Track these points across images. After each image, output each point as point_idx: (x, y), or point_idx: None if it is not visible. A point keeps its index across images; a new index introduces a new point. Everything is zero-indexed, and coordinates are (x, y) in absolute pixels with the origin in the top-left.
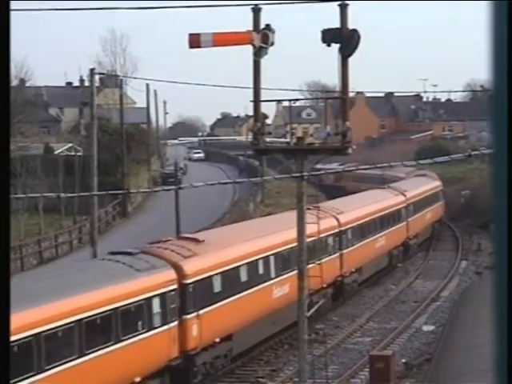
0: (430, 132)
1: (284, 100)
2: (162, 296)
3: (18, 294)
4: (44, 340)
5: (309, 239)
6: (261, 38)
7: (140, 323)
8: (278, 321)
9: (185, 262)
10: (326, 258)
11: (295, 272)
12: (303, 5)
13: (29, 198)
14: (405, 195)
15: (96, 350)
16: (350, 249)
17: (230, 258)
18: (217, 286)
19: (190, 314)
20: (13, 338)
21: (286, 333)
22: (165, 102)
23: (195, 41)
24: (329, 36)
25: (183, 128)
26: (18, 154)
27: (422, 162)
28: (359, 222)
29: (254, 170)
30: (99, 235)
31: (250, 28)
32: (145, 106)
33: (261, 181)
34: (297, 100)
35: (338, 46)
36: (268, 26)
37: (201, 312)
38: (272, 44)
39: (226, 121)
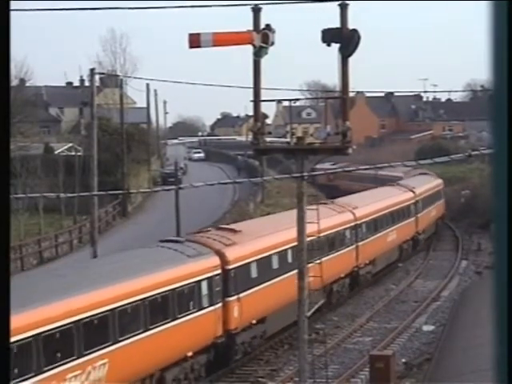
0: (430, 132)
1: (284, 100)
2: (209, 280)
3: (95, 276)
4: (118, 315)
5: (331, 230)
6: (261, 38)
7: (192, 303)
8: (286, 318)
9: (226, 250)
10: (344, 250)
11: (317, 261)
12: (303, 5)
13: (29, 197)
14: (414, 192)
15: (158, 326)
16: (364, 241)
17: (264, 246)
18: (253, 272)
19: (231, 296)
20: (99, 311)
21: (286, 333)
22: (165, 102)
23: (195, 41)
24: (329, 36)
25: (183, 128)
26: (18, 154)
27: (422, 162)
28: (373, 217)
29: (253, 169)
30: (99, 235)
31: (250, 28)
32: (145, 105)
33: (261, 181)
34: (297, 100)
35: (338, 45)
36: (268, 26)
37: (241, 295)
38: (272, 44)
39: (226, 121)
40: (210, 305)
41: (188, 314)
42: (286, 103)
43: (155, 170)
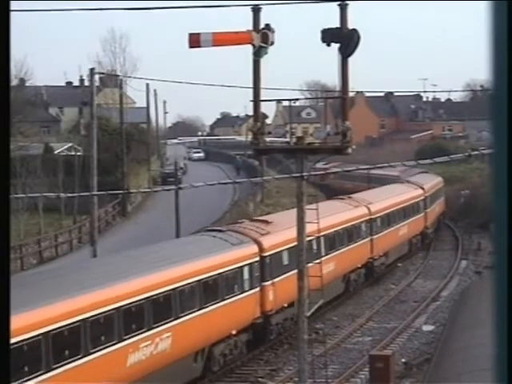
0: (430, 132)
1: (284, 100)
2: (250, 265)
3: (156, 260)
4: (179, 294)
5: (348, 224)
6: (261, 38)
7: (236, 287)
8: (326, 294)
9: (263, 239)
10: (360, 242)
11: (339, 252)
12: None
13: (29, 197)
14: (423, 189)
15: (209, 306)
16: (378, 235)
17: (294, 236)
18: (285, 260)
19: (267, 281)
20: (164, 289)
21: (286, 332)
22: (164, 102)
23: (195, 40)
24: (329, 36)
25: (183, 128)
26: (17, 154)
27: (422, 161)
28: (386, 212)
29: (253, 169)
30: (99, 235)
31: (250, 28)
32: (144, 105)
33: (261, 181)
34: (297, 100)
35: (337, 45)
36: (268, 26)
37: (275, 280)
38: (272, 43)
39: (226, 120)
40: (250, 288)
41: (233, 296)
42: (285, 103)
43: (155, 169)
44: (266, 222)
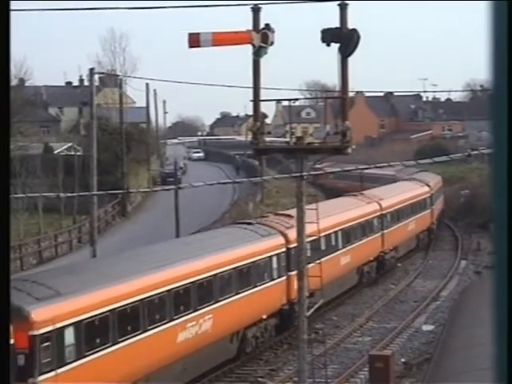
0: (430, 131)
1: (284, 99)
2: (278, 255)
3: (197, 249)
4: (219, 279)
5: (362, 219)
6: (260, 38)
7: (266, 275)
8: (343, 283)
9: (288, 231)
10: (373, 236)
11: (356, 245)
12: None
13: (28, 197)
14: (429, 186)
15: (244, 291)
16: (389, 229)
17: (315, 230)
18: (308, 251)
19: (292, 271)
20: (207, 275)
21: (285, 332)
22: (164, 102)
23: (195, 40)
24: (328, 36)
25: (183, 127)
26: (17, 154)
27: (421, 161)
28: (396, 208)
29: (253, 169)
30: (99, 235)
31: (250, 27)
32: (144, 105)
33: (260, 181)
34: (296, 99)
35: (337, 45)
36: (267, 26)
37: (324, 260)
38: (271, 43)
39: (226, 120)
40: (278, 277)
41: (264, 283)
42: (285, 103)
43: (155, 169)
44: (290, 215)
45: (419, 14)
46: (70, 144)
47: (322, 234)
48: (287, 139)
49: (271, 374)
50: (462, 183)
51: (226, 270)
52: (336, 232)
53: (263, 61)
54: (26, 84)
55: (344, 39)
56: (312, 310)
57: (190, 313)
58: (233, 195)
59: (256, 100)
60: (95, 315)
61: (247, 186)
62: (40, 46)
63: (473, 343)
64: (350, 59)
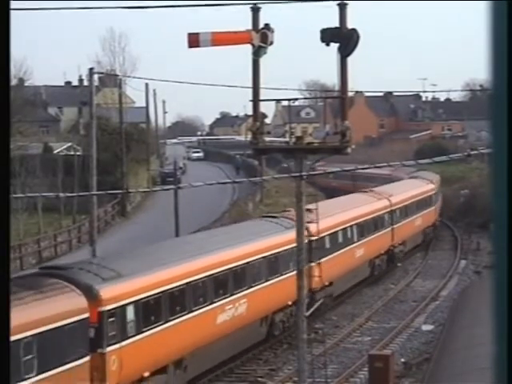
0: (429, 131)
1: (283, 99)
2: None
3: (227, 238)
4: (252, 267)
5: (374, 214)
6: (260, 38)
7: (291, 264)
8: (357, 275)
9: (310, 225)
10: (385, 230)
11: (368, 239)
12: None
13: (28, 197)
14: (433, 183)
15: (273, 278)
16: (398, 224)
17: (333, 224)
18: (327, 244)
19: (313, 262)
20: (241, 262)
21: (285, 332)
22: (164, 102)
23: (194, 40)
24: (328, 35)
25: (182, 127)
26: (17, 154)
27: (421, 161)
28: (404, 204)
29: (252, 169)
30: (98, 234)
31: (249, 27)
32: (144, 105)
33: (260, 180)
34: (296, 99)
35: (337, 45)
36: (267, 26)
37: (321, 260)
38: (271, 43)
39: (225, 120)
40: (289, 271)
41: (289, 272)
42: (285, 103)
43: (154, 169)
44: (310, 210)
45: (418, 13)
46: (69, 144)
47: (339, 228)
48: (287, 139)
49: (271, 374)
50: (462, 183)
51: (257, 259)
52: (351, 226)
53: (263, 61)
54: (26, 84)
55: (343, 39)
56: (311, 310)
57: (228, 297)
58: (232, 195)
59: (255, 100)
60: (150, 295)
61: (247, 186)
62: (40, 46)
63: (472, 343)
64: (350, 59)
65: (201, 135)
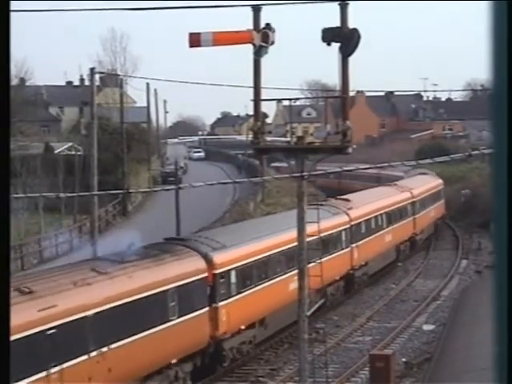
0: (431, 131)
1: (284, 99)
2: (345, 230)
3: (285, 223)
4: (311, 244)
5: (401, 204)
6: (261, 37)
7: (339, 245)
8: (386, 258)
9: (350, 211)
10: (408, 219)
11: (395, 226)
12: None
13: (29, 197)
14: (439, 179)
15: (326, 256)
16: (419, 214)
17: (368, 211)
18: (362, 229)
19: (353, 244)
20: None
21: (286, 332)
22: (165, 101)
23: (195, 40)
24: (329, 35)
25: (183, 127)
26: (18, 154)
27: (422, 161)
28: (423, 196)
29: (254, 169)
30: (99, 234)
31: (251, 27)
32: (145, 105)
33: (261, 180)
34: (297, 99)
35: (338, 45)
36: (268, 25)
37: (359, 243)
38: (272, 43)
39: (227, 120)
40: (345, 247)
41: (338, 251)
42: (286, 102)
43: (155, 169)
44: (348, 200)
45: (419, 13)
46: (70, 144)
47: (372, 216)
48: (288, 139)
49: (272, 374)
50: (463, 183)
51: (315, 239)
52: (381, 214)
53: (264, 60)
54: (27, 84)
55: (344, 39)
56: (312, 310)
57: (290, 271)
58: (233, 195)
59: (257, 99)
60: (246, 263)
61: (248, 186)
62: (41, 46)
63: (473, 343)
64: (351, 59)
65: (202, 135)
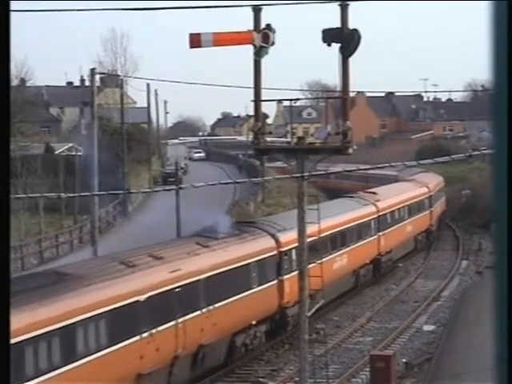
0: (431, 132)
1: (285, 100)
2: (374, 220)
3: (329, 210)
4: (347, 231)
5: (419, 198)
6: (261, 38)
7: (368, 232)
8: (406, 247)
9: (378, 203)
10: (425, 212)
11: (414, 218)
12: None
13: (29, 197)
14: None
15: (359, 241)
16: (432, 208)
17: (394, 202)
18: (388, 219)
19: (382, 231)
20: (346, 226)
21: (287, 332)
22: (165, 102)
23: (196, 41)
24: (329, 36)
25: (184, 128)
26: (18, 154)
27: (422, 161)
28: (435, 191)
29: (254, 169)
30: (100, 235)
31: (251, 28)
32: (145, 105)
33: (261, 181)
34: (297, 100)
35: (338, 45)
36: (268, 26)
37: (386, 231)
38: (272, 44)
39: (227, 120)
40: (374, 235)
41: (367, 238)
42: (286, 103)
43: (156, 169)
44: (375, 193)
45: (420, 13)
46: (70, 144)
47: (396, 208)
48: (288, 139)
49: (272, 374)
50: (463, 183)
51: (351, 226)
52: (403, 207)
53: (264, 61)
54: (27, 84)
55: (345, 39)
56: (313, 311)
57: (338, 251)
58: (234, 195)
59: (257, 100)
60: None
61: (248, 186)
62: (41, 46)
63: (473, 343)
64: (351, 59)
65: (202, 135)
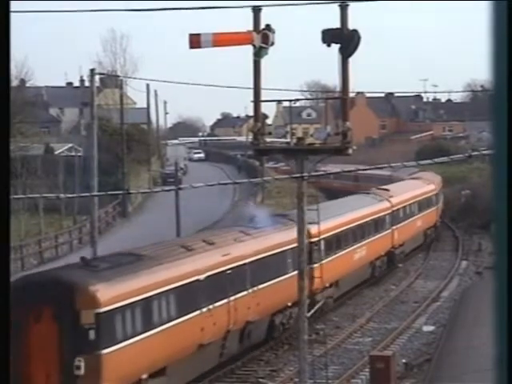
0: (431, 132)
1: (284, 100)
2: (389, 214)
3: (350, 205)
4: (366, 225)
5: (428, 194)
6: (261, 38)
7: (384, 226)
8: (416, 241)
9: (391, 199)
10: (433, 208)
11: (423, 213)
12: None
13: (29, 198)
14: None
15: (375, 235)
16: (438, 205)
17: (406, 198)
18: (401, 214)
19: (395, 225)
20: (363, 220)
21: (287, 333)
22: (165, 102)
23: (196, 41)
24: (329, 36)
25: (183, 128)
26: (18, 155)
27: (422, 162)
28: (440, 188)
29: (254, 169)
30: (99, 235)
31: (251, 28)
32: (145, 106)
33: (261, 181)
34: (297, 100)
35: (338, 46)
36: (268, 26)
37: (399, 226)
38: (272, 44)
39: (227, 121)
40: (388, 228)
41: (382, 231)
42: (286, 103)
43: (155, 170)
44: (387, 189)
45: (419, 14)
46: (70, 145)
47: (407, 204)
48: (288, 140)
49: (272, 375)
50: (463, 184)
51: (368, 220)
52: (414, 203)
53: (264, 61)
54: (27, 85)
55: (344, 40)
56: (313, 311)
57: (358, 243)
58: (233, 196)
59: (256, 101)
60: (330, 235)
61: (248, 187)
62: (41, 47)
63: (473, 344)
64: (351, 60)
65: (202, 136)
